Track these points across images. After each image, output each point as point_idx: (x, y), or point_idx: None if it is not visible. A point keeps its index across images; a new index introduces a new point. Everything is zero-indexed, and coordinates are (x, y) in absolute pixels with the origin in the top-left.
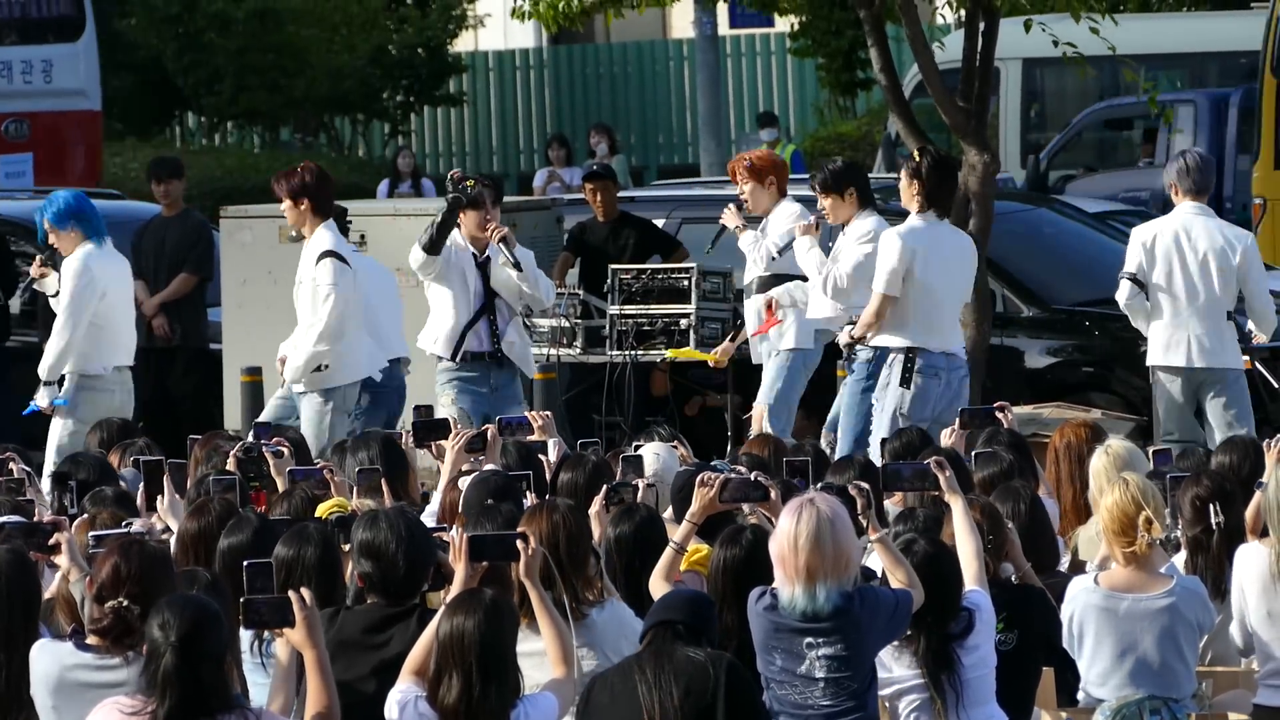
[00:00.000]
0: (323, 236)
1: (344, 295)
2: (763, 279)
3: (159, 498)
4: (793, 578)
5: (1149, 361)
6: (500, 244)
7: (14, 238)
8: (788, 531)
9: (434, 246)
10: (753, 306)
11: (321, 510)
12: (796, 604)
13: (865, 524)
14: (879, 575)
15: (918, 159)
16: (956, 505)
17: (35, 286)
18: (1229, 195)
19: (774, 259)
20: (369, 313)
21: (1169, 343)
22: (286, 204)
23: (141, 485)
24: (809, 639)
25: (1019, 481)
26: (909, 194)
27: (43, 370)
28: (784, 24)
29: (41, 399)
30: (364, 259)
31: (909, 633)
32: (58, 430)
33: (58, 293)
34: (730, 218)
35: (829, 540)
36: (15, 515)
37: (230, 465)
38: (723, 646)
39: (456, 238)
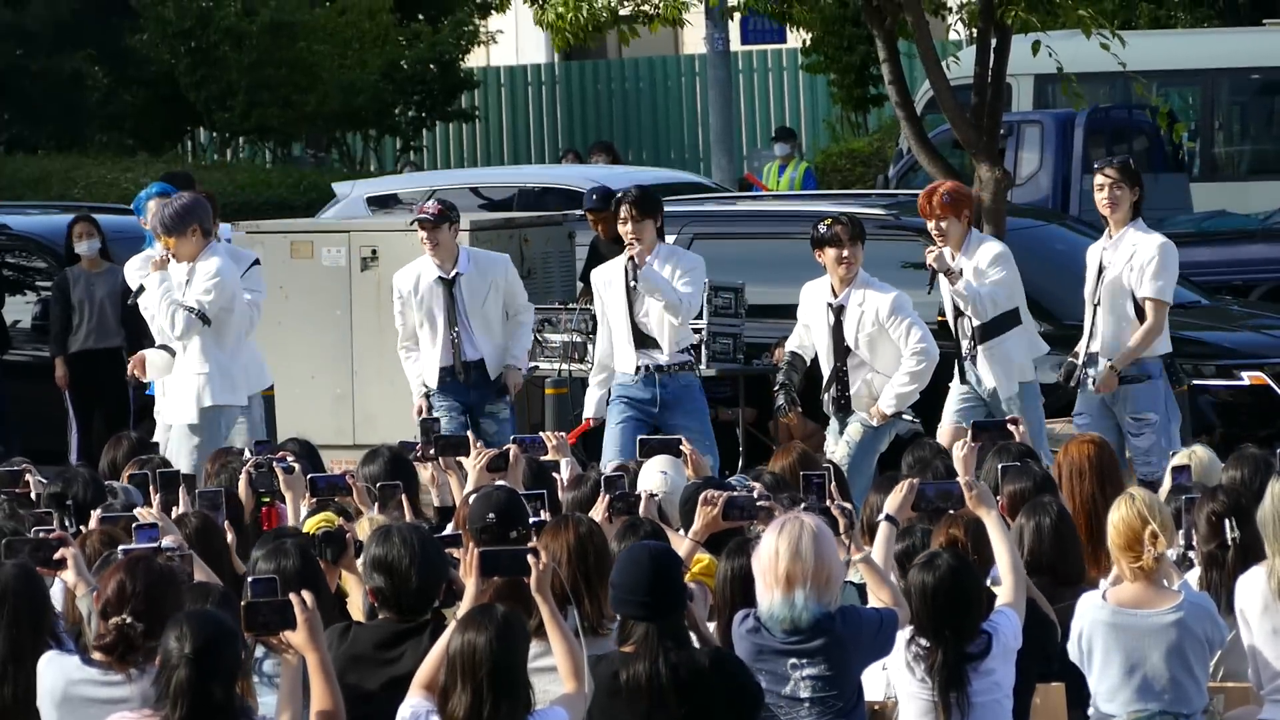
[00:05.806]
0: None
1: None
2: (986, 326)
3: (174, 508)
4: (771, 586)
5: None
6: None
7: (26, 252)
8: (769, 544)
9: None
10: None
11: (309, 526)
12: (774, 612)
13: (848, 544)
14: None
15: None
16: (990, 520)
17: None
18: (1074, 213)
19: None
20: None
21: None
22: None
23: (157, 496)
24: (792, 660)
25: (1047, 496)
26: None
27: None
28: (795, 40)
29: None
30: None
31: (929, 645)
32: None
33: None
34: (941, 260)
35: (809, 550)
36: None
37: (243, 483)
38: None
39: None
